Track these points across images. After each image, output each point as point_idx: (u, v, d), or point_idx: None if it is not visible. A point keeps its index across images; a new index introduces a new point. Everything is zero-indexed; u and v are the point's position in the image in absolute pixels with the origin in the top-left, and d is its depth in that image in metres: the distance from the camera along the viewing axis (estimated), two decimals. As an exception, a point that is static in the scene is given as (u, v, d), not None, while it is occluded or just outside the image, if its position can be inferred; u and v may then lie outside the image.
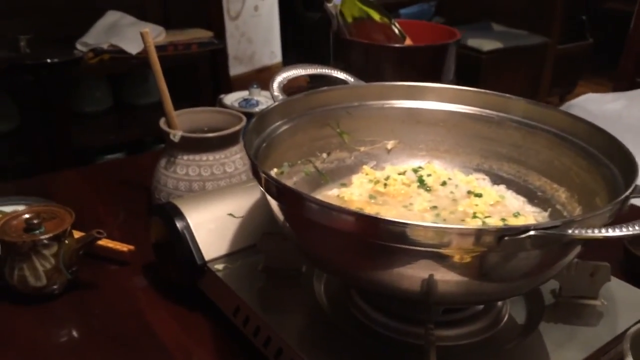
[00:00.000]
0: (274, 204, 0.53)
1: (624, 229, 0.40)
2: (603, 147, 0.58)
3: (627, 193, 0.46)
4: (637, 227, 0.40)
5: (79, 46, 2.02)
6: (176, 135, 0.78)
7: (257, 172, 0.51)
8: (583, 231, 0.41)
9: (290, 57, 2.78)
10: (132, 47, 1.96)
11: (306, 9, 2.84)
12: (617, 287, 0.61)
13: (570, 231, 0.41)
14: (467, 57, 3.02)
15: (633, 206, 0.49)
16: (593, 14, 3.52)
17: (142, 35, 0.76)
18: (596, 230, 0.40)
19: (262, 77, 2.74)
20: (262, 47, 2.66)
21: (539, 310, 0.59)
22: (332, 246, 0.49)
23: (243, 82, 2.62)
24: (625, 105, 1.40)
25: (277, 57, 2.73)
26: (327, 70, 0.71)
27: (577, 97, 1.62)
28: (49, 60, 1.89)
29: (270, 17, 2.65)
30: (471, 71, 3.03)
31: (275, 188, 0.49)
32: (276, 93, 0.66)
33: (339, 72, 0.71)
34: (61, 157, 1.95)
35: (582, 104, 1.53)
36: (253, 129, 0.57)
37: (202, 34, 2.20)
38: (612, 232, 0.40)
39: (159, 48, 2.07)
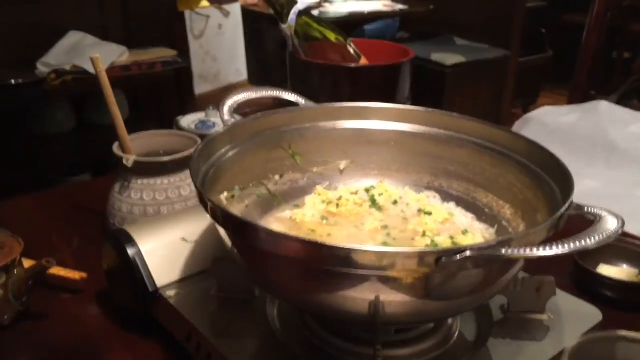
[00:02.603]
0: (221, 230, 0.53)
1: (554, 248, 0.41)
2: (543, 164, 0.60)
3: (562, 211, 0.48)
4: (567, 246, 0.41)
5: (40, 66, 2.00)
6: (129, 160, 0.77)
7: (202, 199, 0.51)
8: (516, 250, 0.42)
9: (257, 75, 2.79)
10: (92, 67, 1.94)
11: (271, 27, 2.86)
12: (563, 301, 0.62)
13: (504, 251, 0.42)
14: (431, 72, 3.07)
15: (583, 218, 0.50)
16: (552, 27, 3.62)
17: (92, 60, 0.76)
18: (528, 250, 0.42)
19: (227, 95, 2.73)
20: (227, 65, 2.67)
21: (488, 326, 0.60)
22: (279, 272, 0.50)
23: (209, 100, 2.62)
24: (580, 117, 1.44)
25: (243, 75, 2.74)
26: (277, 93, 0.72)
27: (536, 110, 1.66)
28: (12, 82, 1.86)
29: (234, 36, 2.66)
30: (436, 85, 3.08)
31: (221, 215, 0.49)
32: (226, 117, 0.66)
33: (289, 94, 0.72)
34: (24, 180, 1.91)
35: (540, 117, 1.57)
36: (200, 156, 0.57)
37: (166, 53, 2.19)
38: (544, 252, 0.41)
39: (123, 68, 2.07)
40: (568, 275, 0.76)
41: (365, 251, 0.43)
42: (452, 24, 3.44)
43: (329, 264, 0.45)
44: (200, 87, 2.54)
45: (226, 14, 2.64)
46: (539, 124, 1.54)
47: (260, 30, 2.91)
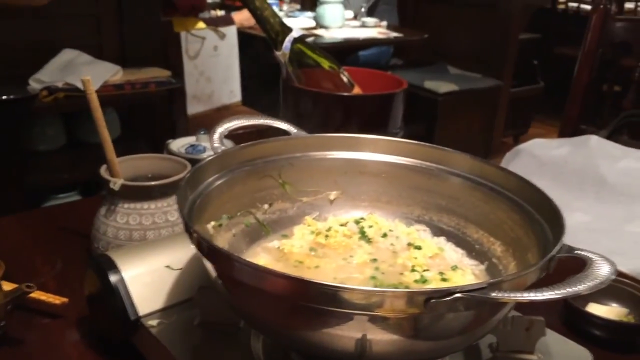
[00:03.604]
0: (206, 261, 0.52)
1: (545, 293, 0.41)
2: (534, 202, 0.59)
3: (553, 253, 0.47)
4: (558, 292, 0.40)
5: (32, 83, 1.98)
6: (116, 183, 0.76)
7: (188, 230, 0.50)
8: (507, 294, 0.41)
9: (251, 97, 2.79)
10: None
11: (266, 50, 2.87)
12: (553, 341, 0.61)
13: (494, 294, 0.41)
14: (424, 99, 3.10)
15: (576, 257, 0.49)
16: (544, 58, 3.67)
17: (83, 82, 0.75)
18: (519, 294, 0.41)
19: (221, 116, 2.73)
20: (221, 86, 2.66)
21: (477, 366, 0.59)
22: (263, 307, 0.49)
23: (202, 121, 2.62)
24: (570, 151, 1.44)
25: (237, 97, 2.74)
26: (268, 121, 0.71)
27: (527, 142, 1.66)
28: (4, 97, 1.85)
29: (229, 57, 2.67)
30: (428, 112, 3.10)
31: (206, 247, 0.48)
32: (216, 144, 0.66)
33: (280, 123, 0.72)
34: (13, 197, 1.89)
35: (530, 149, 1.58)
36: (187, 184, 0.56)
37: (160, 73, 2.19)
38: (535, 296, 0.40)
39: (117, 87, 2.06)
40: (557, 313, 0.75)
41: (353, 290, 0.42)
42: (446, 53, 3.48)
43: (315, 301, 0.44)
44: (193, 107, 2.54)
45: (222, 36, 2.65)
46: (530, 156, 1.54)
47: (256, 52, 2.92)
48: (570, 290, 0.41)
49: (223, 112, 2.64)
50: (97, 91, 2.05)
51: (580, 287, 0.41)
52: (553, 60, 3.82)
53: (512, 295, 0.41)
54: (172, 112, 2.35)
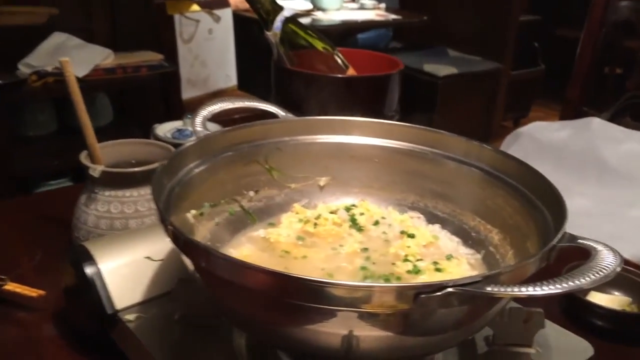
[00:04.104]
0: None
1: (545, 288, 0.37)
2: (535, 188, 0.56)
3: (554, 242, 0.44)
4: (559, 286, 0.37)
5: (21, 67, 1.94)
6: (96, 169, 0.73)
7: (163, 220, 0.46)
8: (503, 289, 0.38)
9: (247, 82, 2.74)
10: (78, 70, 1.89)
11: (262, 33, 2.81)
12: (552, 333, 0.58)
13: (490, 288, 0.38)
14: (423, 82, 3.05)
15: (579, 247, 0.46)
16: (545, 41, 3.61)
17: (61, 63, 0.71)
18: (516, 289, 0.37)
19: (216, 101, 2.68)
20: (216, 70, 2.61)
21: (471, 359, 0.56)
22: (243, 303, 0.45)
23: (197, 106, 2.57)
24: (571, 134, 1.40)
25: (232, 81, 2.69)
26: (254, 104, 0.67)
27: (527, 125, 1.62)
28: (-8, 82, 1.81)
29: (225, 41, 2.61)
30: (427, 96, 3.06)
31: (182, 240, 0.45)
32: (199, 128, 0.62)
33: (268, 106, 0.68)
34: (3, 184, 1.85)
35: (531, 132, 1.54)
36: (163, 172, 0.52)
37: (152, 57, 2.14)
38: (533, 291, 0.37)
39: (108, 71, 2.01)
40: (556, 302, 0.72)
41: (337, 285, 0.39)
42: (445, 36, 3.42)
43: (298, 298, 0.40)
44: (188, 92, 2.49)
45: (217, 19, 2.60)
46: (530, 140, 1.50)
47: (252, 36, 2.86)
48: (572, 284, 0.37)
49: (219, 97, 2.60)
50: (87, 75, 2.01)
51: (584, 280, 0.38)
52: (554, 42, 3.75)
53: (509, 290, 0.38)
54: (166, 97, 2.31)
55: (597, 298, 0.71)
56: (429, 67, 3.09)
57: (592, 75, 1.73)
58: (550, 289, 0.37)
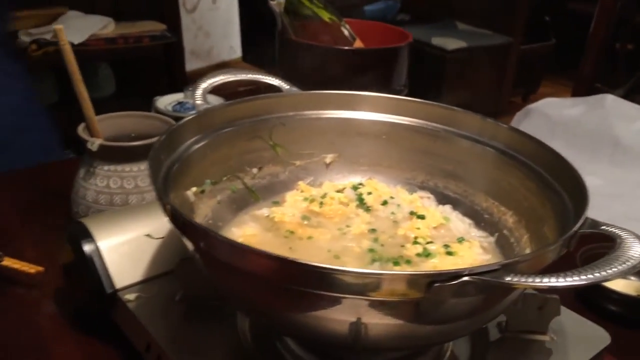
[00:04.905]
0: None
1: (568, 279, 0.35)
2: (553, 168, 0.53)
3: (576, 228, 0.41)
4: (584, 277, 0.35)
5: (21, 36, 1.90)
6: (94, 143, 0.70)
7: (160, 199, 0.44)
8: (524, 279, 0.35)
9: (251, 53, 2.69)
10: (75, 37, 1.85)
11: (267, 4, 2.75)
12: (568, 321, 0.56)
13: (509, 278, 0.36)
14: (431, 56, 2.99)
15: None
16: (556, 14, 3.53)
17: (55, 31, 0.69)
18: (537, 279, 0.35)
19: (220, 73, 2.63)
20: (220, 41, 2.57)
21: (484, 347, 0.54)
22: (244, 288, 0.43)
23: (200, 78, 2.53)
24: (584, 111, 1.37)
25: (237, 53, 2.65)
26: (257, 76, 0.64)
27: (538, 101, 1.58)
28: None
29: (229, 11, 2.56)
30: (435, 69, 3.00)
31: (181, 222, 0.42)
32: (199, 101, 0.59)
33: (271, 78, 0.65)
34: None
35: (542, 109, 1.50)
36: (161, 147, 0.49)
37: (154, 27, 2.10)
38: (556, 282, 0.35)
39: (108, 40, 1.98)
40: (570, 289, 0.70)
41: (346, 273, 0.36)
42: (454, 8, 3.34)
43: (303, 284, 0.38)
44: (191, 64, 2.45)
45: (221, -12, 2.54)
46: (542, 116, 1.47)
47: (257, 6, 2.80)
48: (598, 275, 0.35)
49: (222, 69, 2.55)
50: (87, 44, 1.96)
51: (610, 271, 0.35)
52: (565, 16, 3.67)
53: (529, 280, 0.35)
54: (169, 68, 2.27)
55: (612, 283, 0.68)
56: (437, 41, 3.02)
57: (604, 51, 1.68)
58: (574, 280, 0.34)
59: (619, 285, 0.68)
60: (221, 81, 0.62)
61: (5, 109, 1.04)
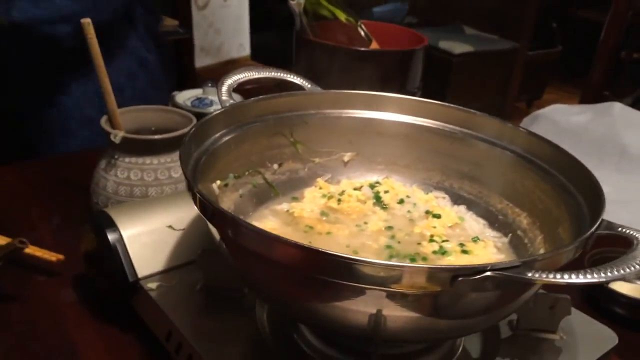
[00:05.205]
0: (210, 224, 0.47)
1: (588, 276, 0.36)
2: (568, 172, 0.54)
3: (593, 229, 0.43)
4: (603, 274, 0.36)
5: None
6: (117, 135, 0.71)
7: (191, 189, 0.45)
8: (544, 275, 0.37)
9: (260, 52, 2.72)
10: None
11: (278, 2, 2.77)
12: (578, 321, 0.58)
13: (530, 274, 0.37)
14: (438, 59, 3.00)
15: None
16: (563, 21, 3.55)
17: (82, 25, 0.70)
18: (558, 275, 0.37)
19: (229, 70, 2.66)
20: (230, 38, 2.59)
21: (495, 344, 0.55)
22: (269, 276, 0.45)
23: (209, 74, 2.55)
24: (591, 118, 1.38)
25: (246, 50, 2.67)
26: (281, 74, 0.66)
27: (545, 107, 1.60)
28: None
29: (239, 9, 2.58)
30: (441, 73, 3.02)
31: (210, 210, 0.44)
32: (224, 97, 0.61)
33: (294, 77, 0.66)
34: (10, 148, 1.84)
35: (549, 115, 1.52)
36: (192, 139, 0.51)
37: (167, 22, 2.12)
38: (576, 278, 0.36)
39: (121, 35, 1.99)
40: (579, 290, 0.71)
41: (373, 264, 0.38)
42: (462, 12, 3.36)
43: (328, 274, 0.40)
44: (201, 60, 2.47)
45: (232, -14, 2.56)
46: (549, 122, 1.48)
47: (267, 5, 2.82)
48: (616, 273, 0.36)
49: (231, 66, 2.57)
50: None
51: (628, 270, 0.37)
52: (573, 23, 3.68)
53: (550, 276, 0.37)
54: (179, 64, 2.29)
55: (620, 287, 0.70)
56: (444, 44, 3.04)
57: (613, 59, 1.70)
58: (594, 277, 0.36)
59: (626, 288, 0.69)
60: (245, 78, 0.63)
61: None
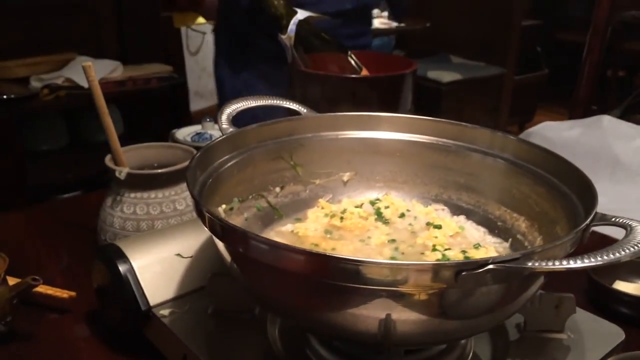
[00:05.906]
0: (220, 244, 0.49)
1: (585, 260, 0.38)
2: (560, 173, 0.56)
3: (588, 221, 0.44)
4: (599, 258, 0.38)
5: (32, 82, 1.97)
6: (122, 172, 0.74)
7: (200, 210, 0.47)
8: (544, 263, 0.38)
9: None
10: (86, 81, 1.91)
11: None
12: (583, 319, 0.59)
13: (530, 264, 0.39)
14: (427, 89, 3.07)
15: (595, 233, 0.47)
16: (547, 45, 3.63)
17: (84, 68, 0.73)
18: (557, 262, 0.38)
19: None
20: (223, 81, 2.64)
21: (504, 346, 0.56)
22: (282, 287, 0.46)
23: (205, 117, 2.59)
24: (582, 132, 1.41)
25: (239, 92, 2.72)
26: (277, 102, 0.68)
27: (537, 125, 1.63)
28: (4, 96, 1.83)
29: (230, 52, 2.64)
30: (432, 102, 3.07)
31: (220, 227, 0.45)
32: (224, 125, 0.63)
33: (290, 103, 0.69)
34: (15, 197, 1.87)
35: (541, 132, 1.54)
36: (197, 164, 0.53)
37: (161, 69, 2.17)
38: (574, 264, 0.38)
39: (118, 83, 2.04)
40: (583, 292, 0.72)
41: (379, 264, 0.40)
42: (448, 42, 3.44)
43: (337, 278, 0.41)
44: (195, 104, 2.52)
45: (222, 31, 2.63)
46: (541, 139, 1.50)
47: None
48: (612, 256, 0.38)
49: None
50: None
51: (622, 253, 0.38)
52: (556, 46, 3.77)
53: (549, 264, 0.38)
54: (174, 108, 2.33)
55: (623, 286, 0.71)
56: (432, 74, 3.10)
57: (597, 76, 1.74)
58: (590, 261, 0.38)
59: (628, 288, 0.70)
60: (244, 107, 0.66)
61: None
